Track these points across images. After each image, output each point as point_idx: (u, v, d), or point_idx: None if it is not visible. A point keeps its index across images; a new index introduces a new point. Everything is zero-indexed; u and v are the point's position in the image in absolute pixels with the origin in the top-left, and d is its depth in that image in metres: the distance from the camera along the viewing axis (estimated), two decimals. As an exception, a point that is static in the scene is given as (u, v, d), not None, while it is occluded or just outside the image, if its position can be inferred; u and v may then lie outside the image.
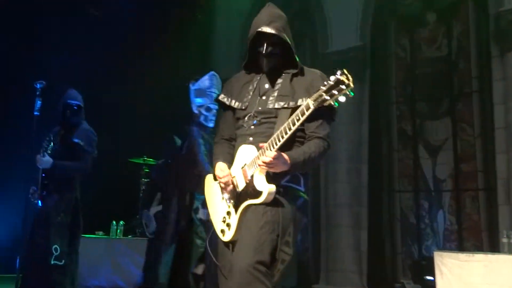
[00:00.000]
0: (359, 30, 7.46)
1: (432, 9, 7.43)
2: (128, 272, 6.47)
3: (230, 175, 2.53)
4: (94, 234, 6.89)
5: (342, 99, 2.19)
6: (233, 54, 8.82)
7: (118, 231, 6.88)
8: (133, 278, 6.31)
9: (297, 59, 2.62)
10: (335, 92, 2.17)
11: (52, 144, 4.57)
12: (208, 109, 3.69)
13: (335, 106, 2.36)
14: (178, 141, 5.93)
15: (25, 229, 3.94)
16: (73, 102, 4.66)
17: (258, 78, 2.68)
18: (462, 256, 4.64)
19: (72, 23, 7.23)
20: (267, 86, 2.63)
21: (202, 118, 3.72)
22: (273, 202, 2.40)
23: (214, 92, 3.67)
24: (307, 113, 2.26)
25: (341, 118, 6.77)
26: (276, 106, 2.52)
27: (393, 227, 7.31)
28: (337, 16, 7.61)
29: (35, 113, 3.85)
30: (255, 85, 2.67)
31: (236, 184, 2.51)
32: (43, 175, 4.45)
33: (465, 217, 6.81)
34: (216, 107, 3.55)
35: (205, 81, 3.74)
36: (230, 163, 2.60)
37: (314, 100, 2.24)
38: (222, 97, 2.74)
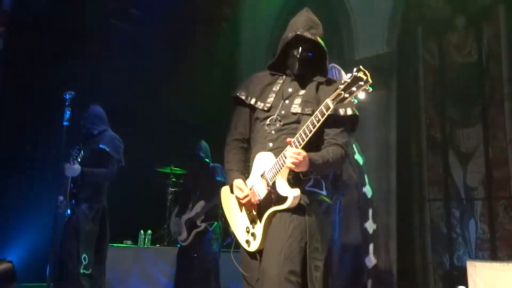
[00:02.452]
0: (386, 36, 7.43)
1: (462, 13, 7.35)
2: (157, 280, 6.53)
3: (250, 190, 2.49)
4: (122, 243, 6.95)
5: (361, 95, 2.23)
6: (259, 64, 8.88)
7: (146, 240, 6.93)
8: (161, 286, 6.37)
9: (328, 69, 2.63)
10: (353, 89, 2.19)
11: (82, 152, 4.64)
12: None
13: (357, 115, 2.44)
14: (204, 145, 5.92)
15: (54, 238, 4.00)
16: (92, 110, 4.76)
17: (282, 81, 2.65)
18: (497, 265, 4.55)
19: (104, 37, 7.37)
20: (290, 90, 2.60)
21: None
22: (298, 209, 2.38)
23: None
24: (327, 113, 2.26)
25: (369, 125, 6.77)
26: (300, 111, 2.50)
27: (424, 237, 7.20)
28: (364, 23, 7.60)
29: (64, 123, 3.93)
30: (278, 87, 2.63)
31: (256, 193, 2.47)
32: (71, 185, 4.53)
33: (498, 226, 6.68)
34: None
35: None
36: (243, 173, 2.59)
37: (333, 99, 2.24)
38: (240, 93, 2.69)
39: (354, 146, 3.61)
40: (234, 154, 2.69)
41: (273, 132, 2.52)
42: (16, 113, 6.52)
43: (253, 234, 2.48)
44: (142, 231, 6.95)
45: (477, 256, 6.58)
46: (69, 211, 4.56)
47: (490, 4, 7.06)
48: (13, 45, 6.47)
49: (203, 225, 5.67)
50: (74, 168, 4.46)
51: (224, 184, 5.51)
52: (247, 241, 2.51)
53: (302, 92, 2.57)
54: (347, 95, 2.21)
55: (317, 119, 2.29)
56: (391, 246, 6.86)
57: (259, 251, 2.46)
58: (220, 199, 5.46)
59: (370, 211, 3.51)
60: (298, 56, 2.56)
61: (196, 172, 5.96)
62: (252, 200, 2.47)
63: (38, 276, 5.12)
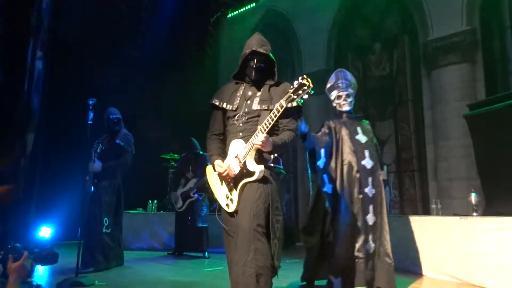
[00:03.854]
0: (325, 57, 7.42)
1: (378, 40, 7.41)
2: (162, 237, 6.43)
3: (228, 167, 2.48)
4: (135, 210, 6.83)
5: (305, 97, 2.24)
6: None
7: (153, 207, 6.83)
8: (166, 242, 6.30)
9: (276, 75, 2.61)
10: (300, 92, 2.22)
11: (101, 145, 4.56)
12: (339, 97, 3.46)
13: (300, 107, 2.42)
14: (195, 142, 5.94)
15: (83, 207, 3.89)
16: (113, 116, 4.66)
17: (243, 87, 2.63)
18: (403, 218, 4.60)
19: (117, 59, 7.21)
20: (250, 93, 2.57)
21: (337, 107, 3.48)
22: (263, 180, 2.38)
23: (342, 83, 3.44)
24: (281, 110, 2.27)
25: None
26: (259, 108, 2.49)
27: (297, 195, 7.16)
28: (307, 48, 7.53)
29: (89, 122, 3.81)
30: (241, 92, 2.61)
31: (232, 169, 2.46)
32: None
33: (404, 191, 6.79)
34: (346, 92, 3.43)
35: (332, 79, 3.53)
36: (222, 156, 2.57)
37: (285, 100, 2.26)
38: (214, 101, 2.65)
39: (358, 128, 3.42)
40: (214, 143, 2.65)
41: (241, 125, 2.51)
42: (57, 116, 6.40)
43: (231, 200, 2.47)
44: (150, 201, 6.85)
45: (390, 213, 6.68)
46: (92, 188, 4.47)
47: (398, 34, 7.13)
48: (51, 64, 6.32)
49: (195, 196, 5.63)
50: (96, 166, 4.40)
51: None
52: (227, 205, 2.50)
53: (258, 93, 2.55)
54: (295, 97, 2.23)
55: (274, 114, 2.29)
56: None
57: (236, 212, 2.45)
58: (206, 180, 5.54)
59: (370, 179, 3.27)
60: (254, 66, 2.55)
61: (190, 158, 5.88)
62: (230, 175, 2.47)
63: (72, 235, 4.96)
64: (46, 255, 2.11)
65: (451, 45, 5.91)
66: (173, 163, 7.29)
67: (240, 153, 2.43)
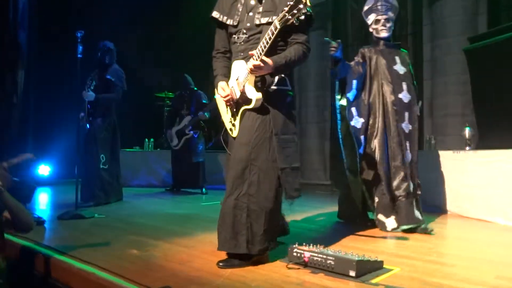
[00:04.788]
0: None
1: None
2: (160, 175, 6.55)
3: (231, 91, 2.31)
4: (132, 148, 6.87)
5: (302, 17, 2.04)
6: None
7: (150, 145, 6.88)
8: (164, 179, 6.41)
9: None
10: (295, 11, 2.00)
11: (94, 82, 4.48)
12: (377, 22, 3.15)
13: (310, 17, 2.21)
14: (189, 78, 5.86)
15: (78, 144, 3.90)
16: (107, 45, 4.53)
17: None
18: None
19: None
20: (253, 2, 2.29)
21: (374, 33, 3.18)
22: (263, 108, 2.21)
23: (381, 5, 3.14)
24: (276, 32, 2.06)
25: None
26: (262, 21, 2.22)
27: None
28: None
29: (78, 55, 3.68)
30: (243, 1, 2.32)
31: (234, 93, 2.30)
32: (89, 106, 4.40)
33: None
34: (386, 16, 3.14)
35: (370, 0, 3.21)
36: (227, 76, 2.38)
37: (279, 20, 2.05)
38: (215, 14, 2.38)
39: (396, 57, 3.15)
40: (219, 62, 2.43)
41: (242, 43, 2.28)
42: (46, 51, 6.21)
43: (233, 125, 2.34)
44: (146, 139, 6.88)
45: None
46: (88, 125, 4.45)
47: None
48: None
49: (191, 133, 5.65)
50: (89, 95, 4.33)
51: (205, 105, 5.55)
52: (231, 129, 2.37)
53: (262, 2, 2.26)
54: (290, 17, 2.01)
55: (268, 36, 2.07)
56: (326, 145, 6.92)
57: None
58: (204, 114, 5.52)
59: (406, 114, 3.08)
60: None
61: (184, 96, 5.82)
62: (232, 99, 2.32)
63: (70, 173, 5.02)
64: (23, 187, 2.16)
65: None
66: (168, 101, 7.25)
67: (241, 76, 2.25)
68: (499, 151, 3.42)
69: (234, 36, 2.32)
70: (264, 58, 2.10)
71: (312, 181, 6.93)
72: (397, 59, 3.18)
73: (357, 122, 3.10)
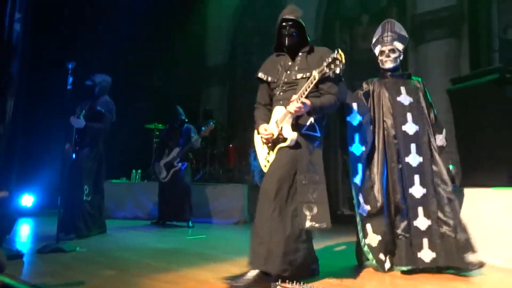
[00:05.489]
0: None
1: (367, 12, 7.31)
2: (146, 207, 6.46)
3: (271, 133, 2.65)
4: (119, 179, 6.81)
5: (337, 71, 2.46)
6: (222, 45, 8.64)
7: (137, 177, 6.82)
8: (150, 211, 6.33)
9: (308, 40, 2.74)
10: (332, 66, 2.46)
11: (84, 111, 4.49)
12: (382, 53, 3.13)
13: (341, 71, 2.52)
14: (180, 109, 5.90)
15: (63, 174, 3.86)
16: (98, 79, 4.59)
17: (283, 58, 2.78)
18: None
19: (98, 21, 6.97)
20: (290, 63, 2.73)
21: (380, 64, 3.17)
22: (295, 146, 2.56)
23: (387, 37, 3.12)
24: (314, 82, 2.51)
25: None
26: (298, 77, 2.65)
27: (337, 164, 7.03)
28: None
29: (68, 87, 3.71)
30: (282, 63, 2.77)
31: (272, 134, 2.64)
32: (76, 136, 4.39)
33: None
34: (390, 47, 3.11)
35: (378, 32, 3.20)
36: (267, 121, 2.74)
37: (319, 73, 2.51)
38: (260, 75, 2.82)
39: (402, 88, 3.06)
40: (259, 111, 2.83)
41: (281, 94, 2.70)
42: (36, 81, 6.20)
43: (268, 161, 2.68)
44: (134, 170, 6.84)
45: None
46: (74, 155, 4.43)
47: (386, 6, 7.05)
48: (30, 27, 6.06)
49: (178, 165, 5.63)
50: (79, 121, 4.34)
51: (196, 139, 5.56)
52: (265, 166, 2.70)
53: (297, 62, 2.71)
54: (327, 70, 2.47)
55: (308, 85, 2.51)
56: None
57: None
58: (190, 147, 5.54)
59: (413, 146, 2.93)
60: (286, 33, 2.70)
61: (175, 128, 5.84)
62: (269, 138, 2.65)
63: (54, 204, 4.91)
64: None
65: (438, 19, 5.87)
66: (157, 133, 7.26)
67: (279, 119, 2.63)
68: (485, 189, 3.43)
69: (276, 89, 2.75)
70: (304, 99, 2.50)
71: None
72: (403, 89, 3.07)
73: (357, 149, 2.96)
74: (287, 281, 2.11)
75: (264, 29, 8.07)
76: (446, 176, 2.89)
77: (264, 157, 2.72)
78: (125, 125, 5.12)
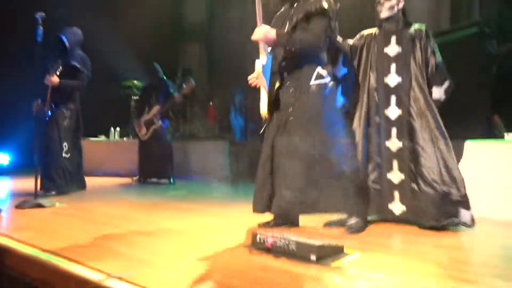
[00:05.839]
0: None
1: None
2: (126, 164, 6.38)
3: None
4: (97, 137, 6.72)
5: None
6: (201, 1, 8.33)
7: (116, 134, 6.74)
8: (130, 169, 6.28)
9: None
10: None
11: (60, 67, 4.32)
12: (378, 3, 2.96)
13: (323, 9, 2.53)
14: (158, 66, 5.76)
15: (37, 132, 3.76)
16: (68, 28, 4.39)
17: (287, 9, 2.74)
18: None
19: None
20: (292, 12, 2.68)
21: (376, 15, 2.96)
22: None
23: None
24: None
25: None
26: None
27: None
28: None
29: (38, 39, 3.53)
30: (286, 14, 2.74)
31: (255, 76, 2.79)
32: (51, 93, 4.26)
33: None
34: None
35: None
36: None
37: None
38: None
39: (393, 37, 2.88)
40: None
41: None
42: (3, 37, 5.92)
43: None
44: (112, 128, 6.73)
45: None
46: (50, 112, 4.30)
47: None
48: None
49: (159, 122, 5.55)
50: (53, 80, 4.17)
51: (173, 95, 5.45)
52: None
53: (295, 9, 2.64)
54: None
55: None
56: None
57: None
58: (171, 105, 5.44)
59: (393, 98, 2.81)
60: None
61: (153, 85, 5.71)
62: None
63: (30, 162, 4.80)
64: None
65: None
66: (135, 90, 7.11)
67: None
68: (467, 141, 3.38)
69: None
70: (263, 25, 2.58)
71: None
72: (393, 39, 2.88)
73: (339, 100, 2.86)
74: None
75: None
76: (433, 131, 2.72)
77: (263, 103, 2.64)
78: (101, 81, 4.95)
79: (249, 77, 2.69)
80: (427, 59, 2.84)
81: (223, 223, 2.92)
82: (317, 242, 1.98)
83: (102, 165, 6.41)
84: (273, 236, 2.10)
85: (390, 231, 2.68)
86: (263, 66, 2.64)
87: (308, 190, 2.50)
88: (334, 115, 2.57)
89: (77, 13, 5.84)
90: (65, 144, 4.30)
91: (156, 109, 5.57)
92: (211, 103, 7.47)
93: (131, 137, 6.75)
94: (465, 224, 2.63)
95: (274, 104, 2.65)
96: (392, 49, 2.88)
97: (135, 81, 7.10)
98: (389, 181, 2.80)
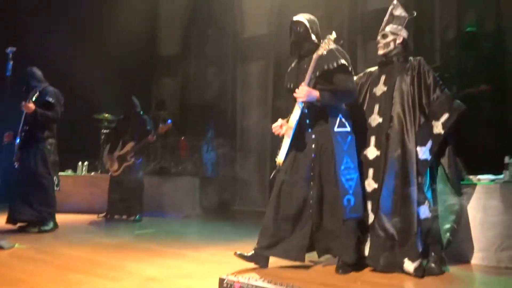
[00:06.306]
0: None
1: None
2: (93, 200, 6.20)
3: (278, 125, 2.85)
4: (64, 171, 6.52)
5: (335, 53, 2.66)
6: (175, 36, 8.44)
7: (84, 169, 6.57)
8: (96, 205, 6.10)
9: (314, 40, 2.77)
10: (329, 51, 2.68)
11: (35, 96, 4.25)
12: (378, 42, 2.99)
13: (344, 64, 2.68)
14: (136, 100, 5.72)
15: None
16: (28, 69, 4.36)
17: (300, 63, 2.86)
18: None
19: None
20: (305, 66, 2.77)
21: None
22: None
23: (384, 21, 2.96)
24: (313, 63, 2.65)
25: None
26: (309, 79, 2.73)
27: None
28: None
29: (7, 73, 3.49)
30: (298, 68, 2.87)
31: (281, 125, 2.85)
32: (26, 127, 4.22)
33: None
34: (383, 33, 2.92)
35: None
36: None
37: (319, 55, 2.69)
38: (286, 84, 2.94)
39: (383, 76, 2.87)
40: None
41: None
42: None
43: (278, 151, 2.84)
44: (80, 162, 6.57)
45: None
46: (18, 139, 4.25)
47: (338, 2, 7.11)
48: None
49: (132, 159, 5.46)
50: (29, 106, 4.11)
51: (150, 132, 5.41)
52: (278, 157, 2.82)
53: (309, 64, 2.70)
54: (324, 53, 2.68)
55: (311, 70, 2.66)
56: (267, 171, 6.99)
57: None
58: (145, 142, 5.36)
59: (372, 139, 2.82)
60: (292, 38, 2.79)
61: (129, 120, 5.63)
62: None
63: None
64: None
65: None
66: (106, 123, 7.01)
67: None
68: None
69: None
70: (308, 87, 2.67)
71: (250, 208, 6.92)
72: (382, 78, 2.86)
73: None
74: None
75: (218, 22, 7.96)
76: (411, 172, 2.64)
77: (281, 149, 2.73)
78: (71, 114, 4.87)
79: (274, 126, 2.79)
80: (427, 91, 2.75)
81: (191, 267, 2.86)
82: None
83: (67, 200, 6.19)
84: (240, 281, 2.07)
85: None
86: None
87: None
88: (354, 163, 2.66)
89: (48, 46, 5.78)
90: (55, 178, 4.37)
91: (130, 145, 5.48)
92: (183, 137, 7.45)
93: (99, 171, 6.60)
94: (410, 274, 2.57)
95: (293, 147, 2.74)
96: (379, 89, 2.86)
97: (106, 115, 7.01)
98: (362, 222, 2.75)
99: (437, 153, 2.76)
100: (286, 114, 2.85)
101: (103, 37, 7.35)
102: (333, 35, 2.62)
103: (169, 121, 5.55)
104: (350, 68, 2.71)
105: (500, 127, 3.84)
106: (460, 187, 2.92)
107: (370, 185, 2.78)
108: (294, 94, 2.66)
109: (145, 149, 5.68)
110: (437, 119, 2.70)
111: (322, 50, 2.63)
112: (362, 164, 2.78)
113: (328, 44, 2.62)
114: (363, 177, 2.76)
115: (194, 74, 8.46)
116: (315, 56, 2.64)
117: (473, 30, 5.11)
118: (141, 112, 5.68)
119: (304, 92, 2.63)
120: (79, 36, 7.03)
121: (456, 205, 2.96)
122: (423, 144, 2.70)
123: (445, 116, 2.69)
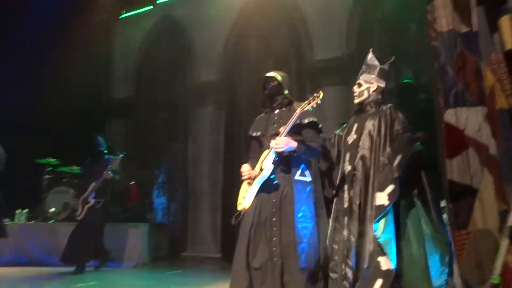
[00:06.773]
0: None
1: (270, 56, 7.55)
2: (31, 251, 5.81)
3: (248, 169, 2.90)
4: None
5: (315, 105, 2.70)
6: (128, 79, 8.43)
7: (23, 217, 6.17)
8: (35, 255, 5.69)
9: (286, 94, 2.94)
10: (311, 101, 2.70)
11: None
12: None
13: (316, 122, 2.86)
14: (101, 141, 5.55)
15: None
16: None
17: (269, 114, 3.01)
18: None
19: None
20: (275, 117, 2.94)
21: None
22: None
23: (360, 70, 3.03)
24: (295, 116, 2.71)
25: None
26: (281, 129, 2.80)
27: None
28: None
29: None
30: (267, 119, 3.00)
31: (251, 170, 2.86)
32: None
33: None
34: (357, 82, 2.99)
35: None
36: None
37: (300, 108, 2.73)
38: (250, 132, 3.05)
39: (355, 125, 2.89)
40: (250, 162, 2.92)
41: (269, 143, 2.81)
42: None
43: (244, 197, 2.83)
44: (19, 210, 6.17)
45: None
46: None
47: (287, 50, 7.40)
48: None
49: (92, 201, 5.23)
50: None
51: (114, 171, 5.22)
52: (240, 203, 2.83)
53: (280, 115, 2.90)
54: (306, 106, 2.70)
55: (291, 121, 2.72)
56: (218, 217, 6.88)
57: None
58: (108, 173, 5.14)
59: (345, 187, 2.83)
60: (265, 92, 2.94)
61: (96, 160, 5.46)
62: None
63: None
64: None
65: (329, 68, 6.37)
66: (50, 168, 6.70)
67: (264, 157, 2.79)
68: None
69: (263, 141, 2.92)
70: (288, 137, 2.74)
71: (202, 254, 6.73)
72: (355, 127, 2.87)
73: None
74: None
75: (170, 67, 8.03)
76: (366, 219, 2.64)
77: (242, 194, 2.79)
78: (14, 161, 4.63)
79: (243, 171, 2.84)
80: (390, 137, 2.71)
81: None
82: None
83: (3, 251, 5.75)
84: None
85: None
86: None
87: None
88: (311, 212, 2.74)
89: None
90: None
91: (92, 186, 5.29)
92: (133, 182, 7.24)
93: (40, 219, 6.22)
94: None
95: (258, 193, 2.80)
96: (351, 137, 2.87)
97: (51, 159, 6.71)
98: (345, 275, 2.65)
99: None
100: (237, 160, 2.93)
101: (55, 81, 7.18)
102: (321, 94, 2.71)
103: (120, 154, 5.42)
104: (320, 125, 2.89)
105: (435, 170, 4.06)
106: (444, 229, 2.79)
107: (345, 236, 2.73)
108: (271, 143, 2.74)
109: (108, 189, 5.49)
110: (381, 190, 2.61)
111: (309, 106, 2.71)
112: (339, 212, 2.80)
113: (316, 101, 2.71)
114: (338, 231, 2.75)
115: (146, 118, 8.38)
116: (299, 110, 2.73)
117: (410, 82, 5.46)
118: (105, 151, 5.54)
119: (284, 142, 2.72)
120: (28, 78, 6.85)
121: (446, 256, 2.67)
122: (381, 189, 2.61)
123: (390, 187, 2.60)
